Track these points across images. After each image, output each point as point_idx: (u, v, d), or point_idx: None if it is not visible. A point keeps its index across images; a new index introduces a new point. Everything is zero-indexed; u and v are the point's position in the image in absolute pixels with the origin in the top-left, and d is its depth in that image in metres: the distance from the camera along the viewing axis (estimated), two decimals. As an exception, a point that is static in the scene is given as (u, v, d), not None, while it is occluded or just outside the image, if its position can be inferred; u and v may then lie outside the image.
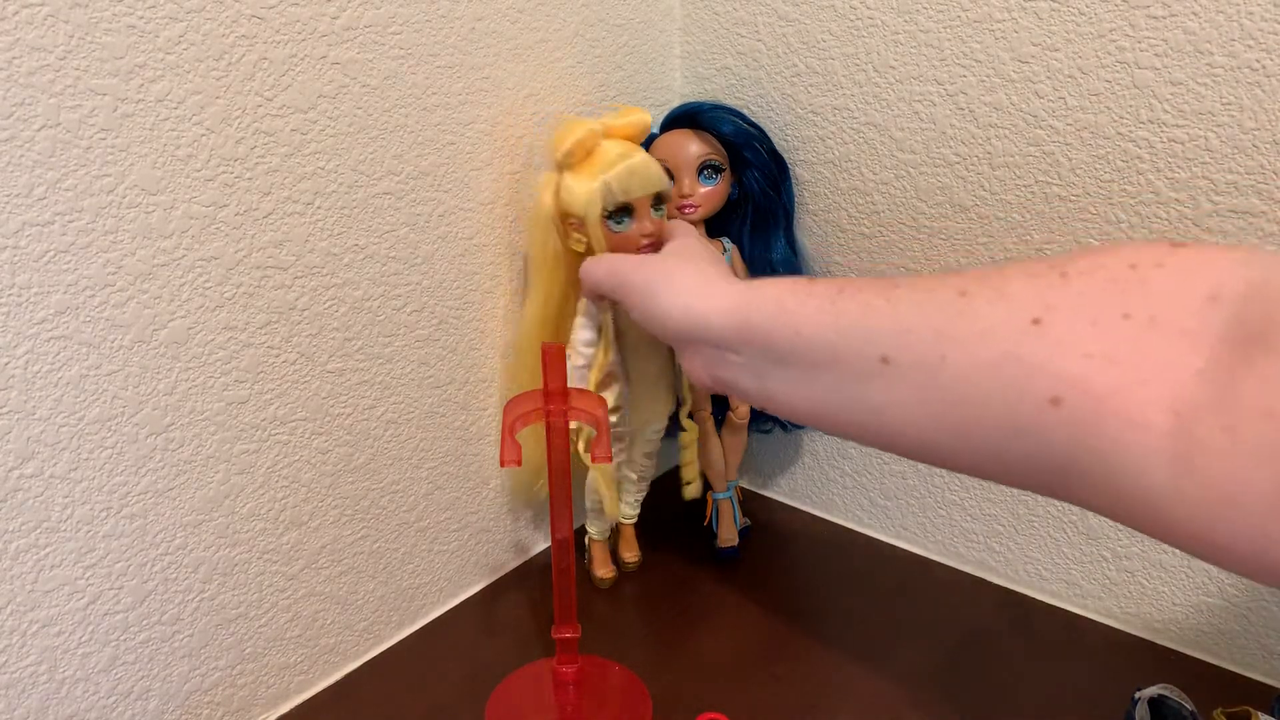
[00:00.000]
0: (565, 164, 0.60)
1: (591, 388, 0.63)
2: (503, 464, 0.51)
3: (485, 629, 0.71)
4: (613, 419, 0.65)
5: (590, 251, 0.61)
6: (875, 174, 0.71)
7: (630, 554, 0.78)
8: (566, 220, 0.61)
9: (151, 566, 0.54)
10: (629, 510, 0.77)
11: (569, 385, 0.55)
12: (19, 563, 0.49)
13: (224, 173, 0.51)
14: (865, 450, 0.81)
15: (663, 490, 0.81)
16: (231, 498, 0.57)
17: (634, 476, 0.75)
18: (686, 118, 0.71)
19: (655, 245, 0.60)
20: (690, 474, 0.74)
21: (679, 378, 0.70)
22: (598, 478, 0.68)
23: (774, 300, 0.43)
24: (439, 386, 0.67)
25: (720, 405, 0.76)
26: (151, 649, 0.56)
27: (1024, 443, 0.33)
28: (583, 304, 0.63)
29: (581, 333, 0.64)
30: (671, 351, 0.66)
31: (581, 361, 0.64)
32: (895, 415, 0.38)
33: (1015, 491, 0.74)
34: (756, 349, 0.44)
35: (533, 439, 0.68)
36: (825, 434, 0.82)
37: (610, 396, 0.65)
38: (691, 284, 0.49)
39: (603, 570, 0.76)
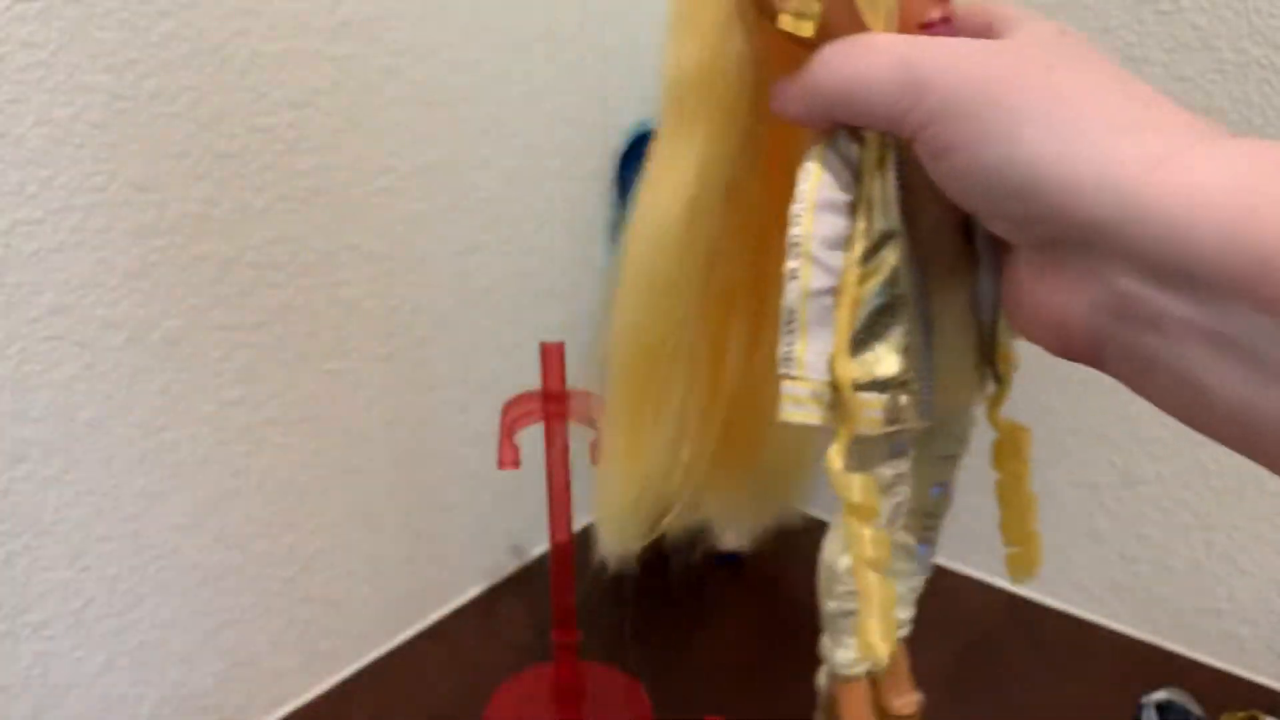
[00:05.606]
0: None
1: (845, 333, 0.30)
2: (501, 466, 0.51)
3: (483, 633, 0.71)
4: (901, 399, 0.31)
5: (825, 36, 0.29)
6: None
7: (904, 699, 0.44)
8: None
9: (145, 570, 0.54)
10: (904, 615, 0.42)
11: (801, 324, 0.31)
12: (11, 566, 0.48)
13: (218, 170, 0.51)
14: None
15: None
16: (226, 500, 0.56)
17: (911, 543, 0.41)
18: None
19: (949, 30, 0.29)
20: (1019, 536, 0.40)
21: (995, 326, 0.34)
22: (863, 559, 0.33)
23: None
24: (436, 388, 0.67)
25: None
26: (145, 654, 0.55)
27: None
28: (818, 151, 0.31)
29: (822, 218, 0.30)
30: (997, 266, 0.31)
31: (823, 280, 0.30)
32: None
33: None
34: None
35: None
36: None
37: (889, 354, 0.31)
38: (1121, 119, 0.24)
39: None
